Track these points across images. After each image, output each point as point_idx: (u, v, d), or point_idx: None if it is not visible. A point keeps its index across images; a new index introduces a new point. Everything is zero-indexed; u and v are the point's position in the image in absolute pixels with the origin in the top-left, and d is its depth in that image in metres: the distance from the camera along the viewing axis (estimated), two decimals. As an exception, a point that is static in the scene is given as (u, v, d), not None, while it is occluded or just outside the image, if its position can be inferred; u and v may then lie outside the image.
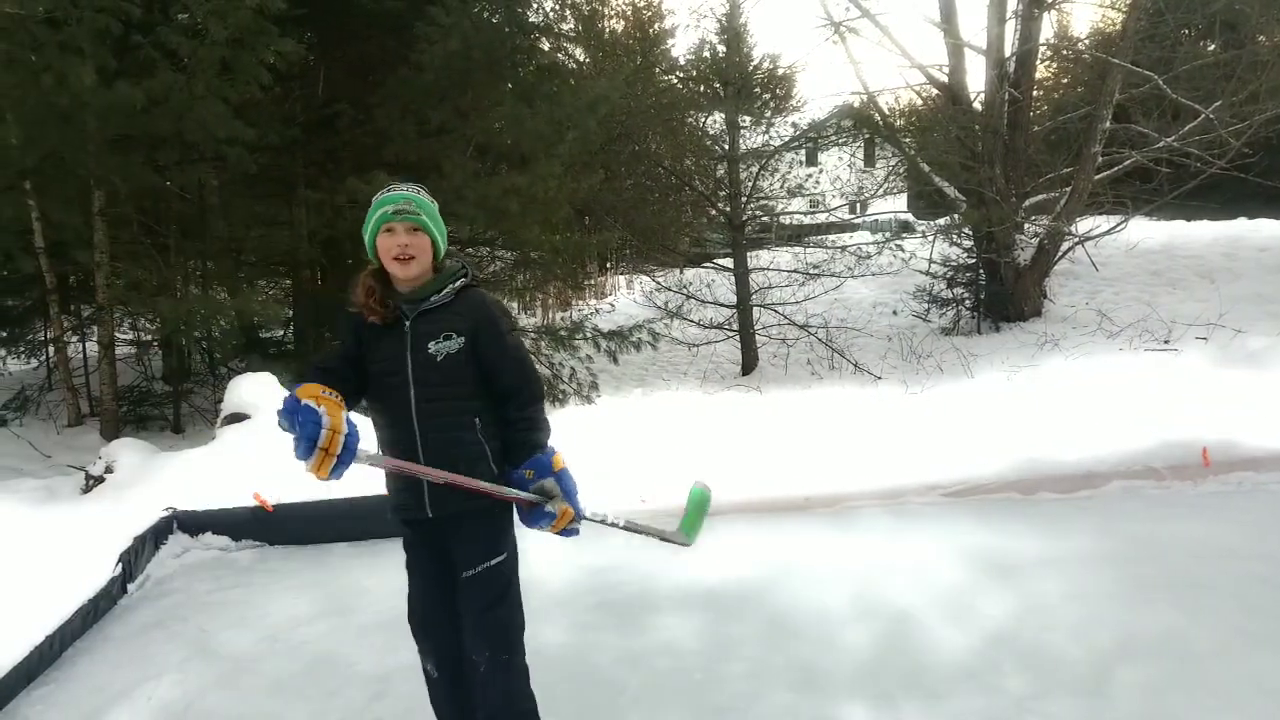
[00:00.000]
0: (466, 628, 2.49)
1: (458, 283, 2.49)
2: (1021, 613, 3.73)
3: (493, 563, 2.51)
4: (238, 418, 6.33)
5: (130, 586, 4.57)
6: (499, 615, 2.52)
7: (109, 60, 7.09)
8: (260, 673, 3.52)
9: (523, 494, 2.40)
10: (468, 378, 2.42)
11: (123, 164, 7.70)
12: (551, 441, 2.48)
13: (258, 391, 6.49)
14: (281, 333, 11.71)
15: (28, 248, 8.45)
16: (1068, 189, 12.41)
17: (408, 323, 2.42)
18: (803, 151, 16.02)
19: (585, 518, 2.48)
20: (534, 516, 2.43)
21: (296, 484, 5.41)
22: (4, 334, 11.44)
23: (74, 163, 7.61)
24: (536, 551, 4.93)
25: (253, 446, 5.78)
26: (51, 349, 10.35)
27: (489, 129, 9.57)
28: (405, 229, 2.40)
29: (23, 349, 11.38)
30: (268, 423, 6.16)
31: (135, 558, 4.67)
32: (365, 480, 5.55)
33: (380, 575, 4.64)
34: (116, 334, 9.27)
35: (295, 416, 2.21)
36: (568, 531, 2.46)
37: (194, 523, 5.16)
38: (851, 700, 3.07)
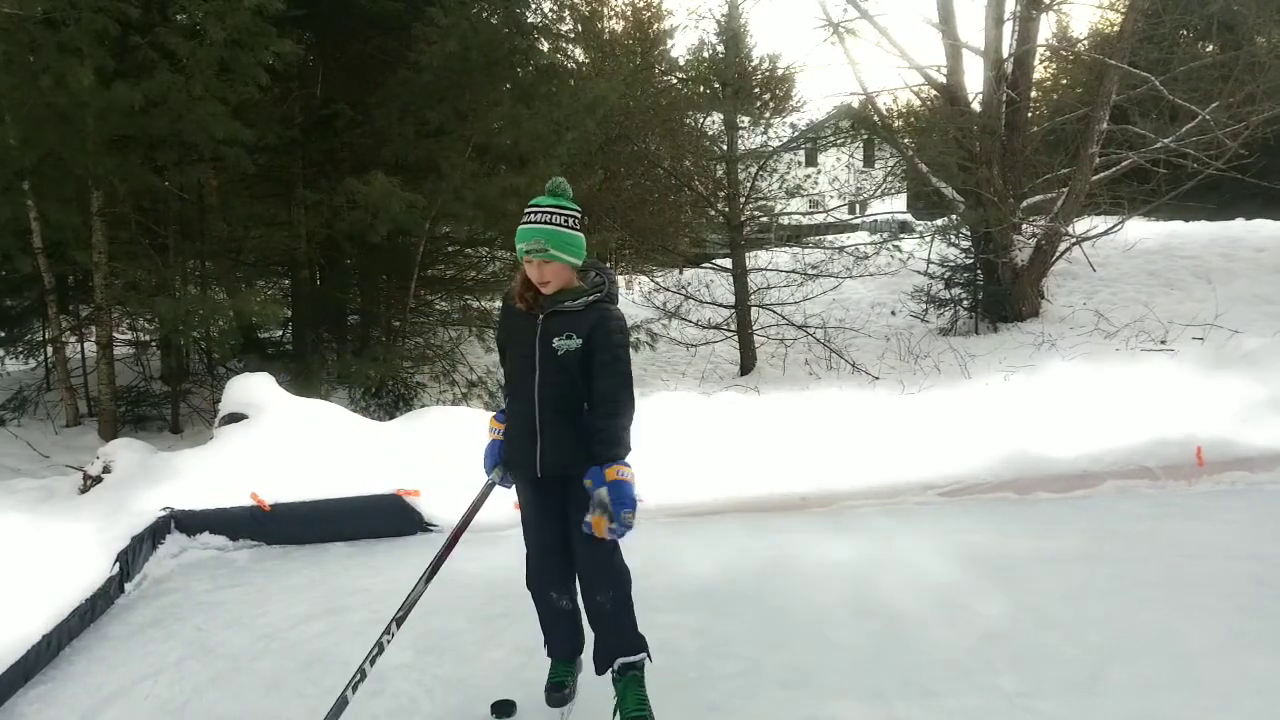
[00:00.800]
0: (587, 570, 2.99)
1: (591, 297, 2.90)
2: (1016, 611, 3.74)
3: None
4: (235, 418, 6.34)
5: (128, 586, 4.58)
6: (618, 563, 3.00)
7: (107, 61, 7.10)
8: (258, 671, 3.53)
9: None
10: (578, 373, 2.84)
11: (121, 164, 7.72)
12: (629, 456, 2.79)
13: (256, 391, 6.50)
14: (280, 333, 11.72)
15: (26, 248, 8.46)
16: (1065, 190, 12.43)
17: (541, 317, 2.88)
18: (801, 152, 16.04)
19: (626, 527, 2.69)
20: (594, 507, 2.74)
21: (293, 484, 5.43)
22: (2, 334, 11.42)
23: (72, 163, 7.62)
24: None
25: (250, 446, 5.79)
26: (50, 349, 10.35)
27: (488, 129, 9.58)
28: (538, 265, 2.83)
29: (21, 349, 11.37)
30: (265, 423, 6.19)
31: (133, 557, 4.68)
32: (361, 480, 5.57)
33: (377, 575, 4.66)
34: (115, 334, 9.28)
35: None
36: (614, 531, 2.69)
37: (192, 522, 5.17)
38: (845, 698, 3.08)
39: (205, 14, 7.18)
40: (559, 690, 3.08)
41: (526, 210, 2.88)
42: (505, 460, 3.05)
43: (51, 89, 6.79)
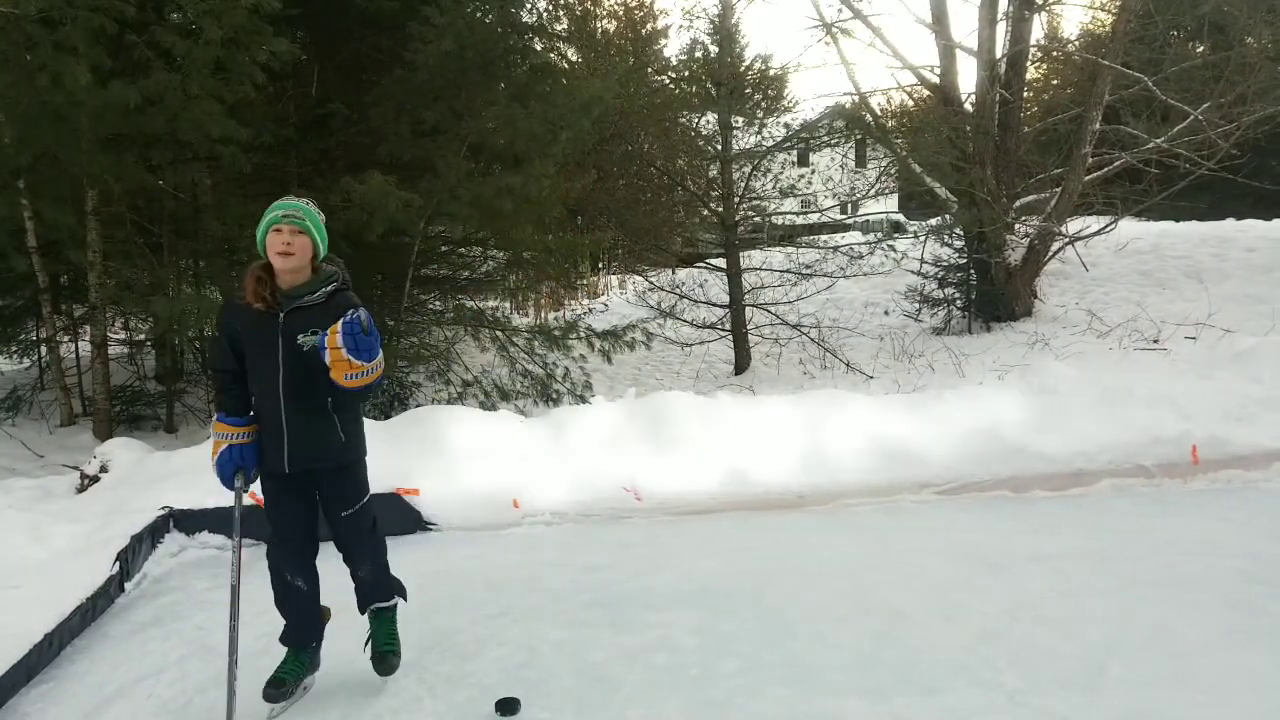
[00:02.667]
0: (350, 552, 3.32)
1: (329, 287, 3.05)
2: (1014, 609, 3.77)
3: (364, 501, 3.29)
4: (233, 417, 6.32)
5: (128, 585, 4.58)
6: (376, 541, 3.38)
7: (103, 60, 7.07)
8: (259, 670, 3.52)
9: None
10: (323, 368, 2.91)
11: (116, 163, 7.69)
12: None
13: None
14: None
15: (21, 247, 8.43)
16: (1058, 190, 12.48)
17: (282, 315, 2.98)
18: (794, 152, 16.04)
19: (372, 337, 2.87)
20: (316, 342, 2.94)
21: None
22: (-4, 333, 11.40)
23: (68, 162, 7.59)
24: (530, 551, 4.98)
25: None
26: (44, 348, 10.32)
27: (483, 129, 9.57)
28: (290, 230, 2.95)
29: (15, 349, 11.33)
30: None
31: (132, 556, 4.68)
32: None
33: (377, 573, 4.66)
34: (109, 333, 9.25)
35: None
36: (352, 336, 2.82)
37: (190, 521, 5.17)
38: (846, 696, 3.11)
39: (202, 13, 7.15)
40: (278, 686, 3.19)
41: (275, 200, 3.03)
42: (252, 459, 3.11)
43: (48, 87, 6.76)
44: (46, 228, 8.29)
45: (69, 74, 6.66)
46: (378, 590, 3.38)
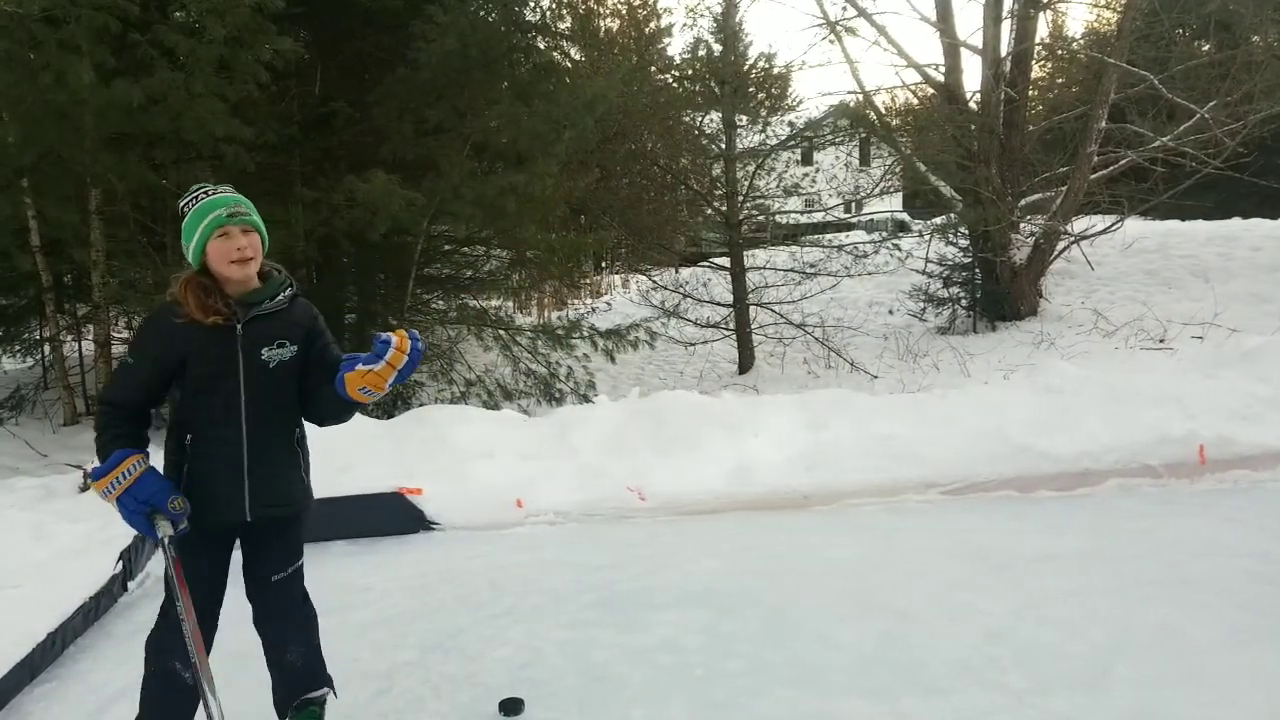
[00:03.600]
0: (280, 626, 2.71)
1: (288, 291, 2.58)
2: (1020, 609, 3.75)
3: (299, 563, 2.73)
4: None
5: (131, 584, 4.57)
6: (311, 613, 2.80)
7: (107, 58, 7.08)
8: (263, 670, 3.51)
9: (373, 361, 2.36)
10: (293, 386, 2.54)
11: (120, 162, 7.69)
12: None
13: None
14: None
15: (24, 246, 8.44)
16: (1063, 188, 12.45)
17: (239, 327, 2.45)
18: (798, 151, 16.03)
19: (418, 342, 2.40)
20: (372, 357, 2.35)
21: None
22: (0, 332, 11.41)
23: (71, 161, 7.60)
24: (533, 550, 4.96)
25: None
26: (47, 347, 10.34)
27: (486, 127, 9.57)
28: (240, 230, 2.45)
29: (19, 347, 11.36)
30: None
31: (135, 555, 4.67)
32: (363, 478, 5.56)
33: (379, 573, 4.66)
34: (112, 332, 9.26)
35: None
36: (413, 358, 2.36)
37: (193, 521, 5.16)
38: (851, 696, 3.09)
39: (205, 11, 7.16)
40: None
41: (191, 195, 2.49)
42: (164, 493, 2.41)
43: (51, 86, 6.77)
44: (50, 227, 8.30)
45: (72, 72, 6.67)
46: (309, 679, 2.75)
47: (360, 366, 2.34)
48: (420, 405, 9.16)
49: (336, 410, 2.54)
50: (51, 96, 6.90)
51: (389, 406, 9.52)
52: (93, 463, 2.54)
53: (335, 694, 2.82)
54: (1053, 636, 3.47)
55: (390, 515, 5.36)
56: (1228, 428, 5.75)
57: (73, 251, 8.29)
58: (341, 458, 5.90)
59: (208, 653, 2.50)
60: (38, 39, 6.85)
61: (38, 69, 6.86)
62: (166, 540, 2.42)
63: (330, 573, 4.71)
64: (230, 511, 2.49)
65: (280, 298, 2.54)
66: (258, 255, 2.49)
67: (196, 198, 2.48)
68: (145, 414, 2.54)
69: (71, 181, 7.95)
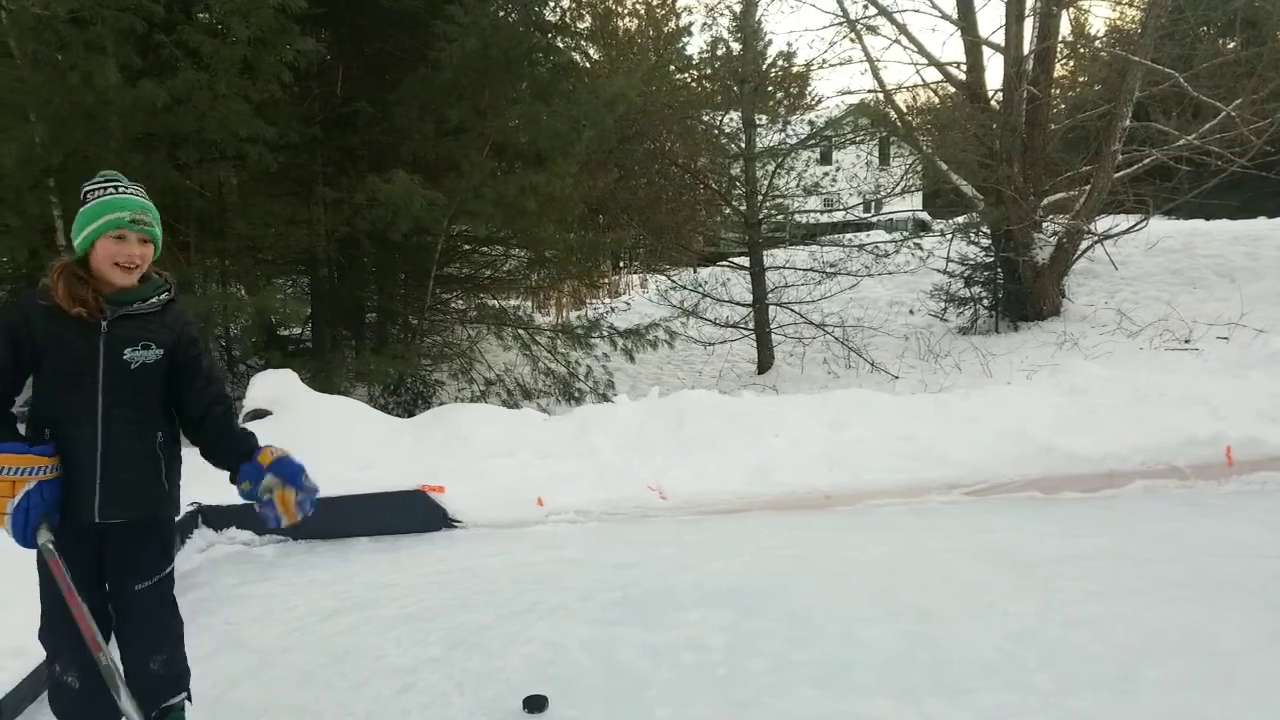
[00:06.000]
0: (142, 636, 2.56)
1: (163, 295, 2.49)
2: (1045, 610, 3.72)
3: (167, 571, 2.62)
4: (260, 414, 6.38)
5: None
6: (176, 623, 2.69)
7: (133, 59, 7.15)
8: (288, 665, 3.55)
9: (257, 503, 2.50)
10: (158, 390, 2.47)
11: (145, 162, 7.76)
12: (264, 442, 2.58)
13: (280, 388, 6.54)
14: (299, 330, 11.78)
15: (50, 245, 8.52)
16: (1086, 187, 12.34)
17: (105, 324, 2.38)
18: (817, 150, 15.98)
19: (314, 491, 2.52)
20: (264, 517, 2.50)
21: (318, 479, 5.45)
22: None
23: (97, 161, 7.64)
24: (555, 549, 4.97)
25: (276, 442, 5.81)
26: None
27: (506, 127, 9.60)
28: (138, 239, 2.39)
29: (45, 346, 11.45)
30: (290, 418, 6.23)
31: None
32: (385, 476, 5.59)
33: (402, 570, 4.69)
34: (137, 331, 9.32)
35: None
36: (302, 505, 2.49)
37: (218, 517, 5.20)
38: (877, 696, 3.07)
39: (229, 12, 7.22)
40: None
41: (101, 183, 2.42)
42: (56, 503, 2.35)
43: (78, 87, 6.84)
44: (76, 226, 8.38)
45: (99, 73, 6.74)
46: (170, 684, 2.62)
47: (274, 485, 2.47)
48: (440, 404, 9.20)
49: (216, 461, 2.59)
50: (78, 97, 6.98)
51: (409, 405, 9.57)
52: None
53: (191, 700, 2.73)
54: (1079, 638, 3.44)
55: (413, 513, 5.38)
56: (1255, 429, 5.68)
57: (98, 251, 8.36)
58: (363, 455, 5.94)
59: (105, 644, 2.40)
60: (65, 40, 6.92)
61: (65, 70, 6.93)
62: (51, 545, 2.33)
63: (354, 569, 4.75)
64: (82, 512, 2.39)
65: (154, 300, 2.46)
66: (145, 267, 2.43)
67: (105, 189, 2.41)
68: (8, 402, 2.42)
69: (98, 182, 8.03)
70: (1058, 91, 15.56)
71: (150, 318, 2.44)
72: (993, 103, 13.11)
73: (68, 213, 8.26)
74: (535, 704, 3.07)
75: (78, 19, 6.89)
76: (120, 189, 2.41)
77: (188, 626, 3.99)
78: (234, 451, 2.54)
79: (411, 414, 8.11)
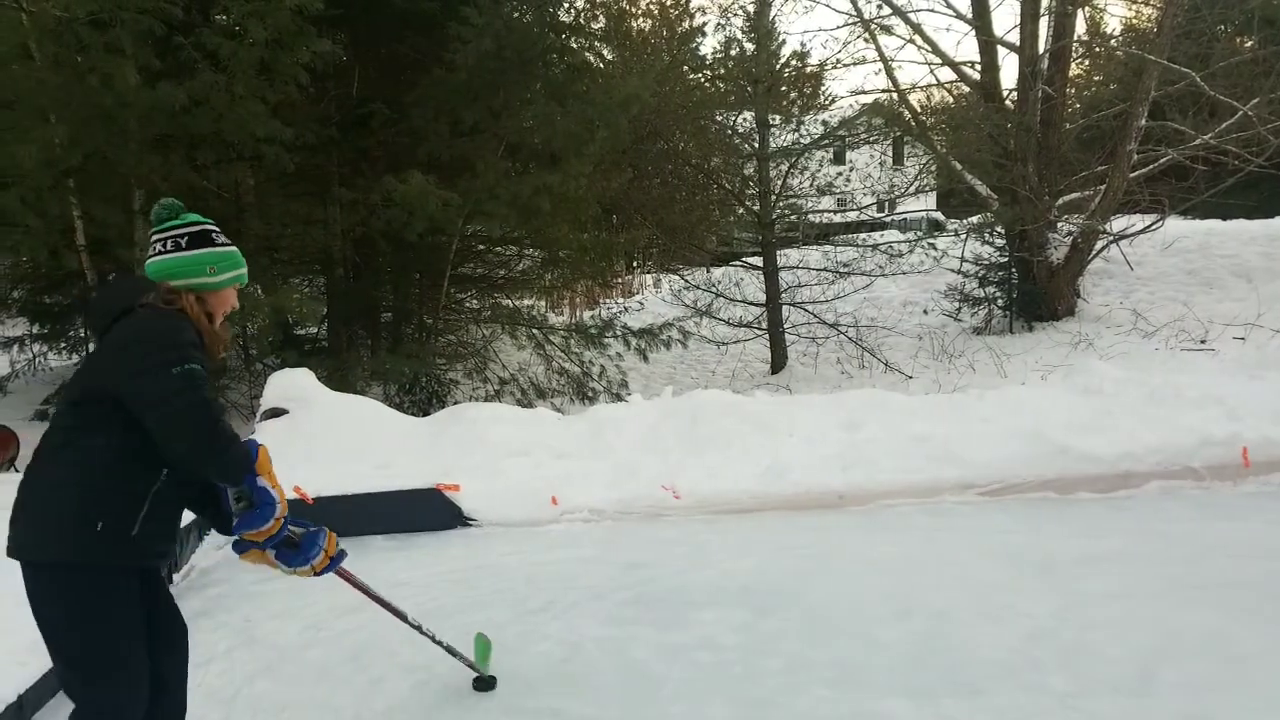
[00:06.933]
0: (179, 668, 2.51)
1: None
2: (1061, 611, 3.71)
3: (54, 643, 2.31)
4: (276, 412, 6.43)
5: (176, 577, 4.65)
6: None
7: (152, 61, 7.22)
8: (305, 661, 3.58)
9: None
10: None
11: (163, 163, 7.84)
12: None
13: (297, 386, 6.59)
14: (315, 329, 11.85)
15: (70, 245, 8.63)
16: (1102, 187, 12.27)
17: None
18: (831, 150, 15.94)
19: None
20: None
21: (335, 477, 5.50)
22: (46, 330, 11.66)
23: (116, 162, 7.76)
24: (570, 547, 4.99)
25: (293, 440, 5.87)
26: (92, 345, 10.53)
27: (521, 128, 9.64)
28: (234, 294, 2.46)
29: (64, 345, 11.60)
30: (307, 417, 6.27)
31: (180, 549, 4.75)
32: (401, 474, 5.62)
33: (418, 568, 4.72)
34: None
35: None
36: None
37: (236, 515, 5.24)
38: (893, 696, 3.08)
39: (246, 14, 7.27)
40: None
41: (212, 228, 2.43)
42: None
43: (98, 89, 6.91)
44: (95, 226, 8.47)
45: (118, 75, 6.81)
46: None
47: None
48: (455, 403, 9.24)
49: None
50: (98, 99, 7.05)
51: (424, 404, 9.61)
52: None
53: None
54: (1095, 639, 3.43)
55: (428, 511, 5.41)
56: (1272, 429, 5.64)
57: (117, 251, 8.44)
58: (379, 454, 5.97)
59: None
60: (84, 42, 7.00)
61: (85, 72, 7.01)
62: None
63: (370, 566, 4.75)
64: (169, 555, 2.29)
65: None
66: None
67: (226, 240, 2.44)
68: None
69: (116, 182, 8.11)
70: (1073, 91, 15.47)
71: None
72: (1007, 102, 13.05)
73: (87, 213, 8.36)
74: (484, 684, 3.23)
75: (97, 21, 6.96)
76: (218, 239, 2.45)
77: (206, 623, 4.06)
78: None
79: (426, 413, 8.14)
